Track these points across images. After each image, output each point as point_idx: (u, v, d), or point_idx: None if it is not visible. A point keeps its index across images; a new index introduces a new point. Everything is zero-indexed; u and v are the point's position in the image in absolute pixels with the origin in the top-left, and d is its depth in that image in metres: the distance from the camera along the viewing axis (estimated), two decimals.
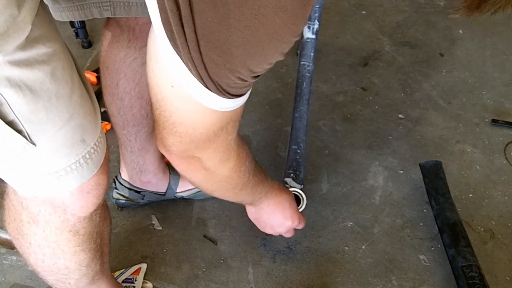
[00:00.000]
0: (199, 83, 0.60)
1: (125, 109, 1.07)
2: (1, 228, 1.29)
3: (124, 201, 1.31)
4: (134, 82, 1.02)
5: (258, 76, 0.62)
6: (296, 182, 1.25)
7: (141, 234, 1.30)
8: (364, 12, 2.02)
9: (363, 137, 1.55)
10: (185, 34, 0.55)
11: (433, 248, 1.29)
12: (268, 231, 1.13)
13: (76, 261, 0.82)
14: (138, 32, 0.95)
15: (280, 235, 1.28)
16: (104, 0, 0.87)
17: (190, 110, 0.65)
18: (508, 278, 1.24)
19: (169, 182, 1.29)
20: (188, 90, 0.62)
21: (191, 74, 0.59)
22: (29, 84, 0.57)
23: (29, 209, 0.74)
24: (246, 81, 0.61)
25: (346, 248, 1.29)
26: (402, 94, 1.68)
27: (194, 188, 1.32)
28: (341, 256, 1.27)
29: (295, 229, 1.21)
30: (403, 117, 1.61)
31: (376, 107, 1.64)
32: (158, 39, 0.59)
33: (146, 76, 1.01)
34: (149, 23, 0.93)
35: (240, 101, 0.66)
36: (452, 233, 1.24)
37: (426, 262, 1.26)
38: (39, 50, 0.58)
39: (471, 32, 1.92)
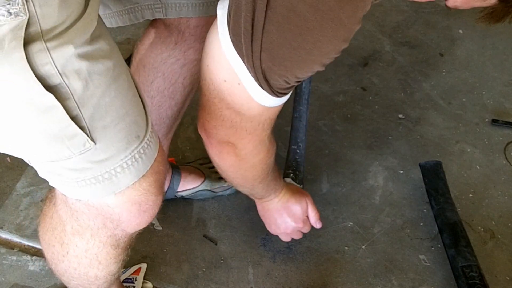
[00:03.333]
0: (255, 82, 0.70)
1: (152, 108, 1.06)
2: (1, 228, 1.29)
3: None
4: (170, 83, 1.01)
5: (301, 80, 0.74)
6: (295, 182, 1.25)
7: (141, 234, 1.28)
8: None
9: (363, 137, 1.55)
10: (252, 47, 0.66)
11: (433, 248, 1.29)
12: (272, 230, 1.19)
13: (107, 271, 0.83)
14: (188, 35, 0.95)
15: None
16: (156, 2, 0.87)
17: (239, 102, 0.75)
18: (508, 278, 1.24)
19: (171, 182, 1.29)
20: (243, 85, 0.72)
21: (249, 74, 0.70)
22: (94, 78, 0.59)
23: (78, 221, 0.74)
24: (290, 84, 0.72)
25: (346, 248, 1.29)
26: (402, 94, 1.68)
27: (194, 188, 1.32)
28: (341, 256, 1.27)
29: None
30: (403, 117, 1.61)
31: (376, 107, 1.64)
32: (223, 43, 0.69)
33: (182, 77, 1.05)
34: (199, 26, 0.97)
35: (283, 99, 0.76)
36: (452, 233, 1.24)
37: (426, 262, 1.26)
38: (102, 46, 0.60)
39: (471, 32, 1.92)
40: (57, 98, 0.56)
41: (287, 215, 1.14)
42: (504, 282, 1.23)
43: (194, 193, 1.33)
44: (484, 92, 1.69)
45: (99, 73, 0.59)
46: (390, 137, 1.55)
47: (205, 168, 1.38)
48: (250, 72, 0.69)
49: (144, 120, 0.69)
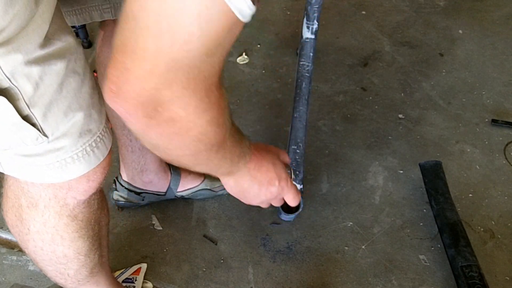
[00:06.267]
0: None
1: None
2: (1, 228, 1.29)
3: (123, 202, 1.31)
4: None
5: None
6: (295, 182, 1.26)
7: (141, 234, 1.30)
8: (364, 12, 2.02)
9: (363, 137, 1.55)
10: None
11: (433, 248, 1.29)
12: (254, 202, 0.88)
13: (74, 249, 0.83)
14: None
15: (279, 236, 1.27)
16: (104, 2, 0.87)
17: (188, 12, 0.48)
18: (508, 278, 1.24)
19: (170, 182, 1.30)
20: None
21: None
22: (45, 79, 0.59)
23: (30, 194, 0.75)
24: None
25: (346, 248, 1.29)
26: (402, 94, 1.68)
27: (194, 187, 1.32)
28: (341, 256, 1.27)
29: (293, 229, 1.21)
30: (403, 117, 1.61)
31: (376, 107, 1.64)
32: None
33: None
34: None
35: (252, 11, 0.51)
36: (452, 233, 1.24)
37: (426, 262, 1.26)
38: (56, 46, 0.60)
39: (471, 32, 1.92)
40: (8, 99, 0.57)
41: (262, 184, 0.85)
42: (504, 282, 1.23)
43: (194, 192, 1.33)
44: (484, 92, 1.69)
45: (51, 74, 0.60)
46: (390, 137, 1.55)
47: None
48: None
49: (98, 114, 0.69)
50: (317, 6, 1.33)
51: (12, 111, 0.58)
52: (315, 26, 1.35)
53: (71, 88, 0.63)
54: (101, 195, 0.83)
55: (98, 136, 0.69)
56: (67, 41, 0.62)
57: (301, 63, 1.36)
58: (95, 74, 1.61)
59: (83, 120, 0.66)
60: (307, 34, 1.35)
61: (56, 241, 0.80)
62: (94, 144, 0.69)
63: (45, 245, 0.81)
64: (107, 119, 0.73)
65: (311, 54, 1.36)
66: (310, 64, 1.35)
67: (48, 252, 0.82)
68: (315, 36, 1.36)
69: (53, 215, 0.76)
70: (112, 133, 0.76)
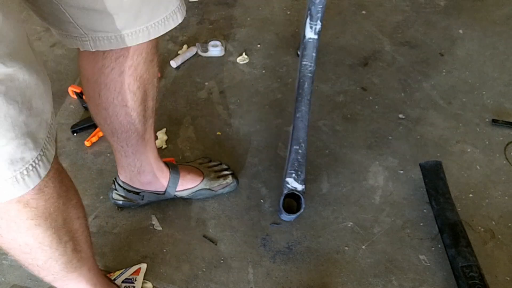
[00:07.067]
0: None
1: (111, 118, 1.07)
2: None
3: (123, 202, 1.31)
4: (116, 91, 1.02)
5: None
6: (297, 182, 1.25)
7: (141, 234, 1.30)
8: (364, 12, 2.02)
9: (363, 137, 1.55)
10: None
11: (433, 248, 1.29)
12: None
13: (34, 237, 0.80)
14: None
15: (279, 236, 1.27)
16: (83, 35, 0.88)
17: None
18: (508, 278, 1.24)
19: (170, 182, 1.29)
20: None
21: None
22: None
23: None
24: None
25: (346, 248, 1.29)
26: (402, 94, 1.68)
27: (193, 187, 1.32)
28: (341, 256, 1.27)
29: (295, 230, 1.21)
30: (403, 117, 1.61)
31: (376, 107, 1.64)
32: None
33: (126, 84, 0.99)
34: None
35: None
36: (452, 233, 1.24)
37: (426, 262, 1.26)
38: (1, 70, 0.58)
39: (471, 32, 1.92)
40: None
41: None
42: (504, 282, 1.23)
43: (193, 192, 1.33)
44: (484, 92, 1.69)
45: None
46: (390, 137, 1.55)
47: (204, 167, 1.38)
48: None
49: (34, 143, 0.68)
50: (321, 6, 1.32)
51: None
52: (319, 26, 1.34)
53: (8, 116, 0.62)
54: (61, 185, 0.80)
55: (31, 165, 0.68)
56: (14, 67, 0.61)
57: (303, 63, 1.36)
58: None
59: (16, 149, 0.64)
60: (310, 34, 1.34)
61: (12, 227, 0.78)
62: (25, 172, 0.67)
63: (4, 232, 0.79)
64: (49, 146, 0.71)
65: (314, 54, 1.35)
66: (312, 65, 1.35)
67: (9, 239, 0.80)
68: (318, 36, 1.36)
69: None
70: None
